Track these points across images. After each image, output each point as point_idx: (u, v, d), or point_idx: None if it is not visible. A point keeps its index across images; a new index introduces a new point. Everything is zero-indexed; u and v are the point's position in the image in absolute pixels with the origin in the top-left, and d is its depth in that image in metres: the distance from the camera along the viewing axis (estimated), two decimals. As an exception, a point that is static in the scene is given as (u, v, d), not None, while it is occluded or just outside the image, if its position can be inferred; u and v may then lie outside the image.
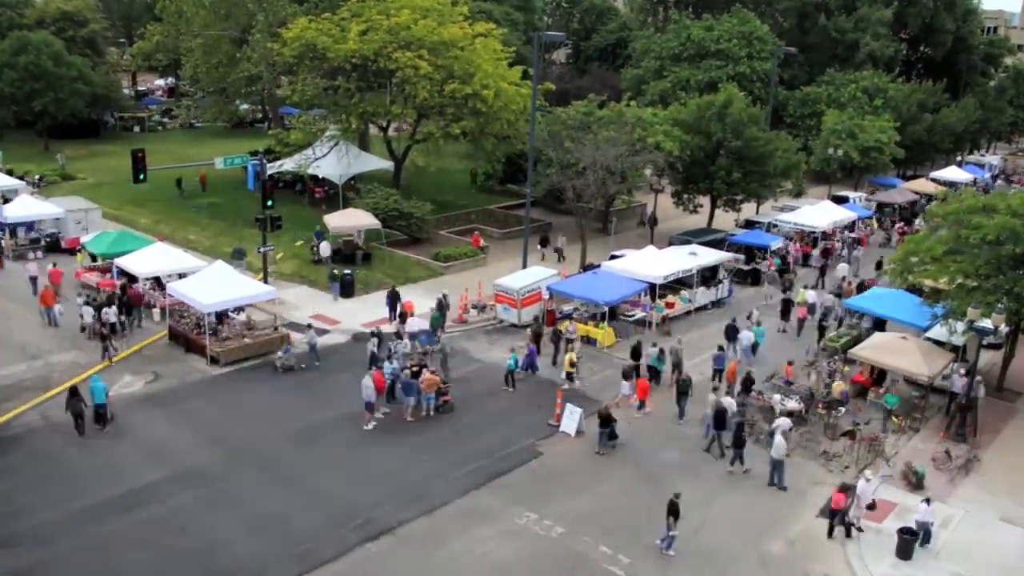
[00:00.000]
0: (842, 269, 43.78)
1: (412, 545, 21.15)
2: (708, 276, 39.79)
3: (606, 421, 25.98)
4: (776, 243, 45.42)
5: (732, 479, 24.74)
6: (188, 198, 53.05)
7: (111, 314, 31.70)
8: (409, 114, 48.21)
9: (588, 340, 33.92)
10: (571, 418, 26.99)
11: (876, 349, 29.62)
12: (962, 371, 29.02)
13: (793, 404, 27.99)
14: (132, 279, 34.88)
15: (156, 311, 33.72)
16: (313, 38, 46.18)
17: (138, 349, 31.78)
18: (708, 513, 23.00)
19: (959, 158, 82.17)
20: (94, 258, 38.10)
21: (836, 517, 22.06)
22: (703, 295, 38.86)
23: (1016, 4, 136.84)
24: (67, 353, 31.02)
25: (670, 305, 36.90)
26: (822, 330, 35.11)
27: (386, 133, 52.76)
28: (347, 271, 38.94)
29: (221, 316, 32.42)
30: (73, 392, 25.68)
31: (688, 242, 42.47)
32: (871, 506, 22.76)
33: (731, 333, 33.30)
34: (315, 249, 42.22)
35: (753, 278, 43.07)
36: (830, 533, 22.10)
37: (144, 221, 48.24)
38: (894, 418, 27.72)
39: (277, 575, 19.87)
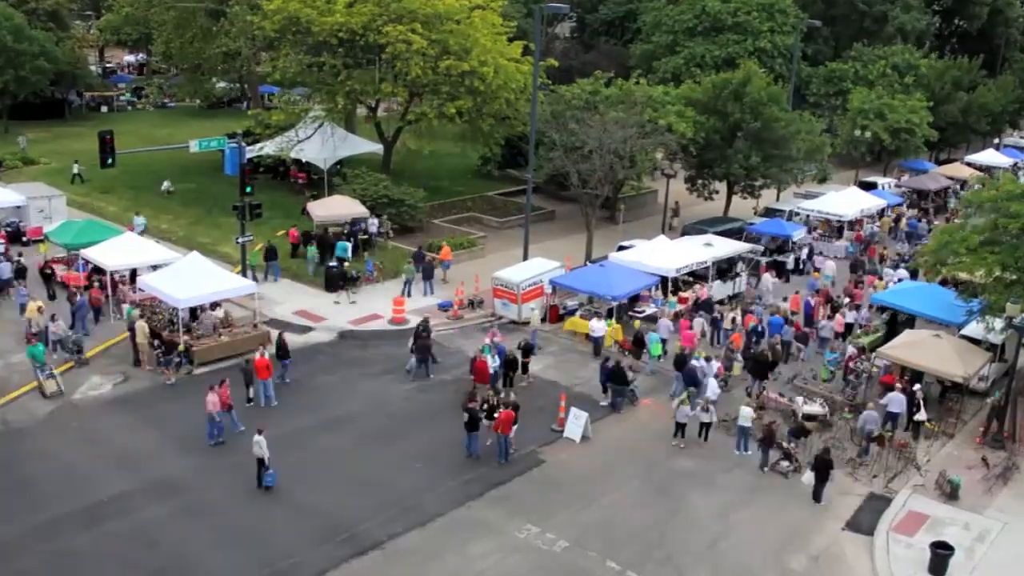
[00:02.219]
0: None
1: (403, 561, 21.06)
2: (724, 269, 39.72)
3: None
4: (799, 232, 45.33)
5: (751, 489, 24.68)
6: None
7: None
8: (400, 93, 48.02)
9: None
10: (576, 423, 26.91)
11: (907, 348, 29.51)
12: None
13: (816, 407, 27.93)
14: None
15: (126, 306, 33.59)
16: (297, 10, 46.00)
17: (106, 348, 31.69)
18: (725, 526, 22.93)
19: (997, 140, 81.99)
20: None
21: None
22: (719, 289, 38.75)
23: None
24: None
25: (683, 300, 36.82)
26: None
27: (375, 114, 52.61)
28: (332, 263, 38.85)
29: (194, 312, 32.37)
30: None
31: (703, 232, 42.38)
32: None
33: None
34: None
35: (777, 270, 42.90)
36: None
37: (112, 209, 48.16)
38: (927, 422, 27.65)
39: (256, 594, 19.85)
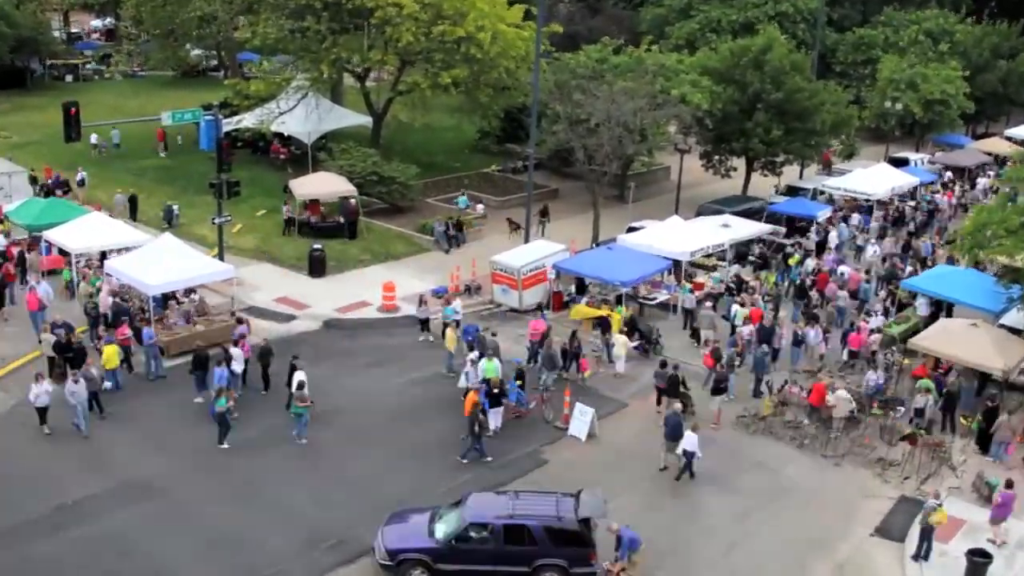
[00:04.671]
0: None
1: (394, 569, 21.03)
2: (743, 252, 39.60)
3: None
4: (824, 212, 45.23)
5: (770, 491, 24.64)
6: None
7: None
8: (391, 61, 47.79)
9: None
10: (581, 420, 26.89)
11: (940, 338, 29.44)
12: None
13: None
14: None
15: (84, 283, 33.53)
16: (277, -30, 45.81)
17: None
18: (743, 531, 22.92)
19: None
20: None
21: None
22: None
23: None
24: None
25: (698, 286, 36.74)
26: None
27: (363, 84, 52.38)
28: (317, 246, 38.75)
29: (167, 299, 32.34)
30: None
31: (720, 212, 42.29)
32: None
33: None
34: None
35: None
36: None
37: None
38: (963, 419, 27.60)
39: (235, 605, 19.86)
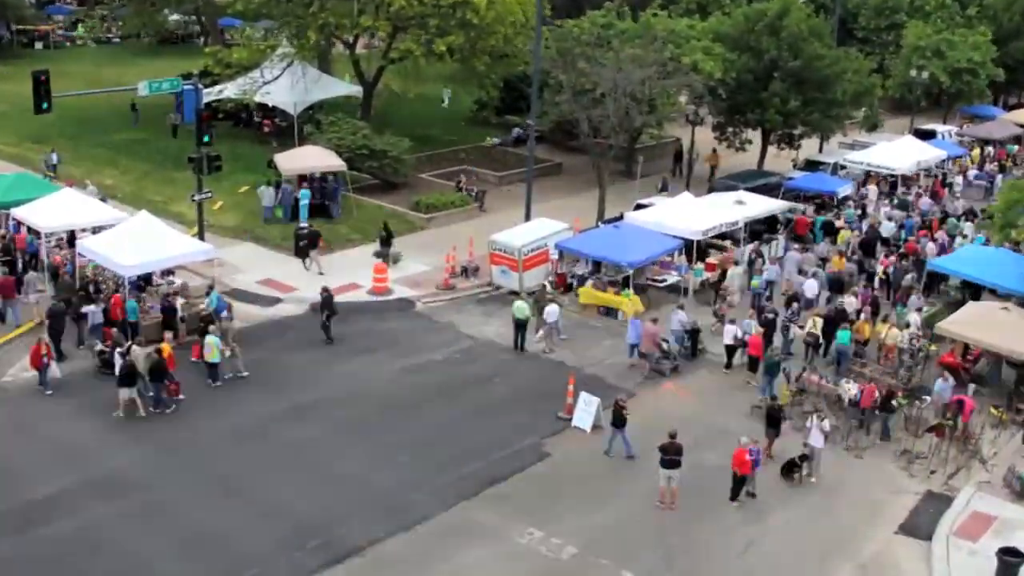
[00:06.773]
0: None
1: (386, 570, 20.98)
2: (759, 231, 39.45)
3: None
4: (846, 188, 45.03)
5: (789, 487, 24.51)
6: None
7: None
8: (382, 27, 47.61)
9: (607, 311, 33.83)
10: (586, 410, 26.79)
11: (969, 323, 29.33)
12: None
13: (865, 392, 27.76)
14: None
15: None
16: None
17: (40, 323, 31.45)
18: (760, 530, 22.82)
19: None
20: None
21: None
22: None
23: None
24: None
25: (711, 267, 36.60)
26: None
27: (353, 51, 52.18)
28: (303, 225, 38.58)
29: (146, 281, 32.24)
30: None
31: (734, 187, 42.19)
32: None
33: None
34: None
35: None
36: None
37: (49, 162, 47.82)
38: (993, 409, 27.51)
39: (216, 608, 19.79)
